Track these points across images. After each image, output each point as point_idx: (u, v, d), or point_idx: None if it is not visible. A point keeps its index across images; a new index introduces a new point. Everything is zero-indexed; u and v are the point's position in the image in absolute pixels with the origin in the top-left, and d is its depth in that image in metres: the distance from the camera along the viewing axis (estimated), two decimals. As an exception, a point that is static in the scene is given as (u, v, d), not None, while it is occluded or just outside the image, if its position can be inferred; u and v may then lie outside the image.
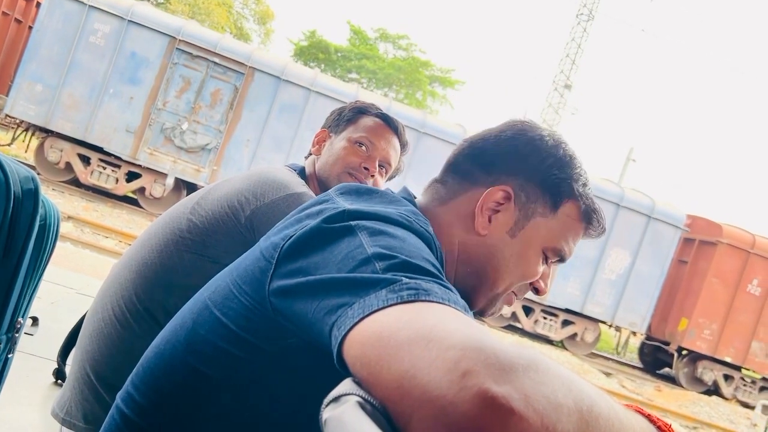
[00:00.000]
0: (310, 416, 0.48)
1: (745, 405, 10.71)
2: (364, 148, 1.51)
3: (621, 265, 10.56)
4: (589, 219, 0.90)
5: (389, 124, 1.56)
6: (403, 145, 1.60)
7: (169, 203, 9.67)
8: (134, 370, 0.78)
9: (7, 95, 9.92)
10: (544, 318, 10.79)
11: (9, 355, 1.00)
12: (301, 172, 1.51)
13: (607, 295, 10.59)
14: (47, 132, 9.83)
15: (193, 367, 0.70)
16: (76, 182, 10.08)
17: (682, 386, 10.93)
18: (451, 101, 28.67)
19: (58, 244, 1.04)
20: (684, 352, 11.07)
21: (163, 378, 0.72)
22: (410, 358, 0.45)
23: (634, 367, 12.26)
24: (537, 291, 0.92)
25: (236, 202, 1.27)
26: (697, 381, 10.94)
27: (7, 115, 9.90)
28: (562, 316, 10.79)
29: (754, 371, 11.01)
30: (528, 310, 10.76)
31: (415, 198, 0.90)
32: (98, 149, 9.81)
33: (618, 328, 11.39)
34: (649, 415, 0.52)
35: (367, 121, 1.54)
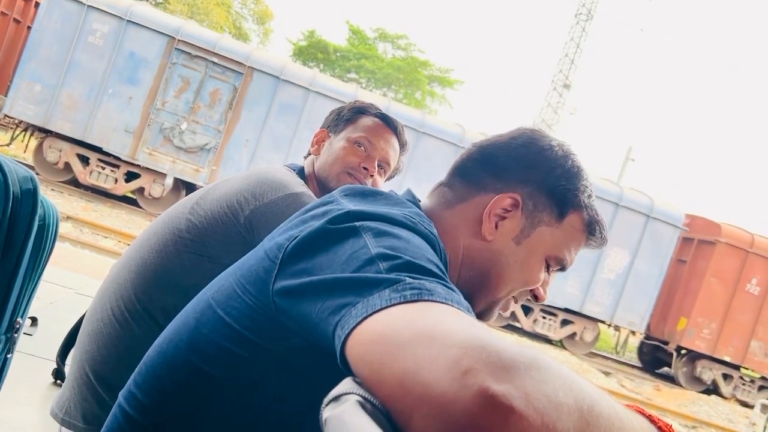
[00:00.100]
0: (312, 416, 0.48)
1: (744, 404, 10.72)
2: (363, 148, 1.51)
3: (620, 264, 10.56)
4: (592, 230, 0.92)
5: (388, 124, 1.56)
6: (402, 145, 1.60)
7: (168, 203, 9.67)
8: (137, 369, 0.78)
9: (5, 95, 9.90)
10: (543, 317, 10.79)
11: (8, 356, 1.00)
12: (300, 172, 1.50)
13: (606, 295, 10.60)
14: (46, 132, 9.82)
15: (195, 366, 0.70)
16: (75, 182, 10.08)
17: (681, 385, 10.94)
18: (450, 101, 28.72)
19: (57, 244, 1.04)
20: (683, 352, 11.09)
21: (166, 377, 0.72)
22: (412, 357, 0.45)
23: (633, 366, 12.27)
24: (536, 298, 0.93)
25: (235, 202, 1.27)
26: (696, 380, 10.95)
27: (6, 115, 9.89)
28: (561, 316, 10.80)
29: (753, 370, 11.02)
30: (527, 310, 10.76)
31: (419, 201, 0.91)
32: (97, 149, 9.80)
33: (617, 328, 11.40)
34: (650, 415, 0.53)
35: (366, 121, 1.54)
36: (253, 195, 1.26)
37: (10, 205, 0.85)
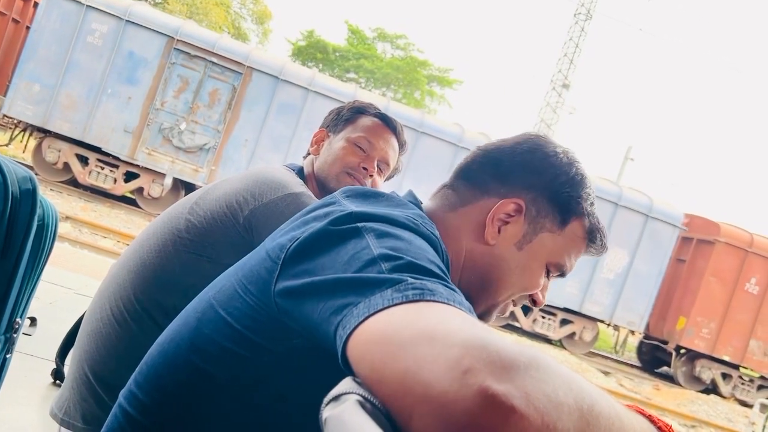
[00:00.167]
0: (313, 416, 0.48)
1: (743, 403, 10.73)
2: (362, 148, 1.51)
3: (619, 264, 10.57)
4: (593, 238, 0.92)
5: (388, 124, 1.56)
6: (402, 145, 1.60)
7: (168, 203, 9.67)
8: (137, 368, 0.78)
9: (4, 95, 9.90)
10: (543, 317, 10.80)
11: (7, 356, 1.00)
12: (300, 172, 1.50)
13: (606, 294, 10.61)
14: (45, 132, 9.81)
15: (197, 366, 0.70)
16: (74, 182, 10.07)
17: (680, 385, 10.95)
18: (449, 101, 28.79)
19: (56, 244, 1.04)
20: (682, 351, 11.10)
21: (167, 377, 0.72)
22: (413, 356, 0.45)
23: (632, 366, 12.28)
24: (535, 303, 0.94)
25: (234, 202, 1.27)
26: (695, 380, 10.96)
27: (4, 116, 9.88)
28: (561, 316, 10.80)
29: (752, 370, 11.03)
30: (526, 310, 10.76)
31: (421, 203, 0.91)
32: (96, 149, 9.79)
33: (616, 327, 11.41)
34: (650, 415, 0.53)
35: (366, 121, 1.54)
36: (252, 195, 1.26)
37: (9, 205, 0.85)
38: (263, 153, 9.97)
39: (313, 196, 1.30)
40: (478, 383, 0.40)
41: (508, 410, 0.39)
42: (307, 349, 0.66)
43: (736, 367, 10.96)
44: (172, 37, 9.73)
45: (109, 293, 1.31)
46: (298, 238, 0.67)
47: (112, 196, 10.19)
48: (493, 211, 0.87)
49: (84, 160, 9.96)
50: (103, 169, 9.88)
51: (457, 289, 0.58)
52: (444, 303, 0.52)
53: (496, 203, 0.88)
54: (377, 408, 0.45)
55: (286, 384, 0.68)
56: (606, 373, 10.46)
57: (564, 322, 10.90)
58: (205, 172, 9.88)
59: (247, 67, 9.87)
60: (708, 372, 10.87)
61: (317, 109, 9.81)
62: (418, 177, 9.81)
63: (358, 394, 0.46)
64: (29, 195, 0.89)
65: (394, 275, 0.56)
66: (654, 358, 12.10)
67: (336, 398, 0.46)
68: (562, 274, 0.93)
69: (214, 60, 9.79)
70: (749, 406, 10.19)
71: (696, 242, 11.06)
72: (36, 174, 8.83)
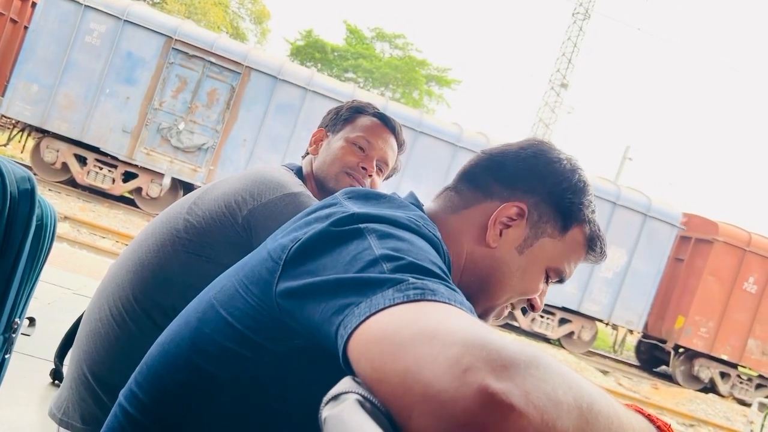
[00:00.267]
0: (313, 416, 0.48)
1: (742, 402, 10.75)
2: (361, 147, 1.50)
3: (618, 263, 10.58)
4: (593, 245, 0.93)
5: (386, 123, 1.56)
6: (401, 145, 1.60)
7: (166, 203, 9.66)
8: (138, 368, 0.78)
9: (2, 95, 9.88)
10: (541, 316, 10.81)
11: (6, 356, 1.00)
12: (298, 172, 1.50)
13: (604, 294, 10.62)
14: (43, 132, 9.80)
15: (197, 365, 0.70)
16: (72, 182, 10.06)
17: (678, 384, 10.97)
18: (447, 100, 28.75)
19: (55, 244, 1.04)
20: (680, 350, 11.11)
21: (168, 376, 0.72)
22: (413, 355, 0.45)
23: (630, 365, 12.29)
24: (533, 308, 0.95)
25: (233, 202, 1.27)
26: (693, 379, 10.98)
27: (3, 116, 9.87)
28: (559, 315, 10.81)
29: (750, 369, 11.05)
30: (525, 309, 10.75)
31: (422, 204, 0.92)
32: (95, 149, 9.78)
33: (615, 327, 11.42)
34: (649, 414, 0.53)
35: (365, 120, 1.54)
36: (251, 195, 1.26)
37: (8, 205, 0.85)
38: (262, 153, 9.97)
39: (312, 196, 1.30)
40: (477, 382, 0.40)
41: (507, 408, 0.39)
42: (308, 350, 0.66)
43: (734, 366, 10.98)
44: (171, 37, 9.72)
45: (107, 293, 1.30)
46: (299, 239, 0.68)
47: (111, 196, 10.18)
48: (496, 214, 0.88)
49: (82, 160, 9.95)
50: (101, 169, 9.87)
51: (458, 290, 0.58)
52: (445, 303, 0.52)
53: (498, 206, 0.88)
54: (377, 407, 0.45)
55: (287, 384, 0.68)
56: (605, 373, 10.47)
57: (563, 321, 10.91)
58: (204, 171, 9.88)
59: (246, 66, 9.86)
60: (706, 371, 10.89)
61: (316, 109, 9.81)
62: (417, 177, 9.81)
63: (358, 394, 0.46)
64: (28, 195, 0.88)
65: (396, 275, 0.56)
66: (652, 357, 12.11)
67: (335, 397, 0.46)
68: (561, 280, 0.94)
69: (213, 60, 9.79)
70: (747, 405, 10.20)
71: (694, 241, 11.07)
72: (34, 174, 8.79)
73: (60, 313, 2.98)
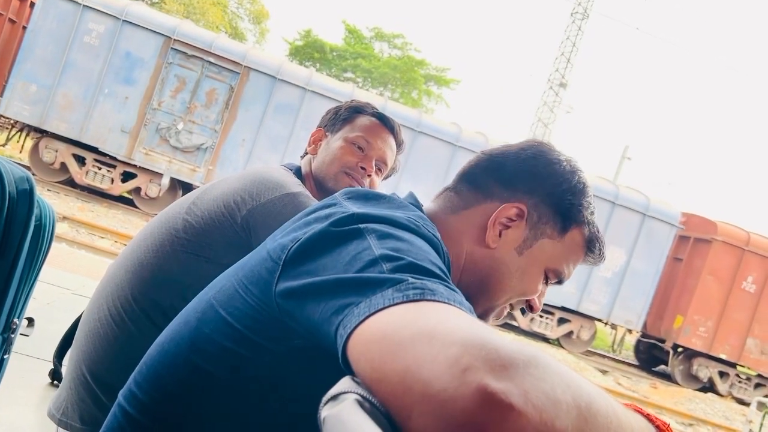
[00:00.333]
0: (313, 416, 0.48)
1: (741, 402, 10.76)
2: (360, 147, 1.50)
3: (616, 263, 10.59)
4: (592, 247, 0.94)
5: (385, 123, 1.56)
6: (399, 145, 1.60)
7: (165, 203, 9.65)
8: (137, 368, 0.78)
9: (1, 96, 9.87)
10: (540, 316, 10.81)
11: (5, 356, 1.00)
12: (297, 172, 1.50)
13: (603, 293, 10.62)
14: (42, 132, 9.79)
15: (197, 365, 0.70)
16: (71, 182, 10.05)
17: (677, 383, 10.98)
18: (446, 100, 28.77)
19: (54, 244, 1.04)
20: (679, 350, 11.12)
21: (167, 376, 0.72)
22: (413, 355, 0.45)
23: (629, 364, 12.30)
24: (531, 308, 0.95)
25: (232, 202, 1.27)
26: (692, 378, 10.99)
27: (1, 116, 9.86)
28: (558, 314, 10.82)
29: (749, 368, 11.06)
30: (524, 309, 10.76)
31: (422, 205, 0.92)
32: (93, 149, 9.78)
33: (614, 326, 11.43)
34: (648, 414, 0.53)
35: (364, 120, 1.54)
36: (250, 195, 1.26)
37: (7, 205, 0.85)
38: (261, 153, 9.97)
39: (311, 196, 1.30)
40: (476, 381, 0.41)
41: (506, 408, 0.39)
42: (308, 350, 0.66)
43: (733, 365, 11.00)
44: (169, 37, 9.72)
45: (106, 293, 1.30)
46: (299, 239, 0.68)
47: (110, 196, 10.17)
48: (495, 215, 0.88)
49: (81, 160, 9.94)
50: (100, 169, 9.87)
51: (457, 290, 0.58)
52: (444, 303, 0.53)
53: (498, 207, 0.88)
54: (376, 407, 0.45)
55: (286, 384, 0.68)
56: (603, 372, 10.48)
57: (561, 321, 10.92)
58: (203, 171, 9.88)
59: (245, 66, 9.86)
60: (705, 370, 10.90)
61: (314, 109, 9.81)
62: (416, 176, 9.81)
63: (357, 393, 0.46)
64: (26, 195, 0.88)
65: (395, 275, 0.56)
66: (651, 356, 12.12)
67: (334, 397, 0.46)
68: (560, 282, 0.94)
69: (211, 60, 9.78)
70: (746, 404, 10.21)
71: (693, 241, 11.08)
72: (33, 174, 8.77)
73: (59, 314, 2.98)
